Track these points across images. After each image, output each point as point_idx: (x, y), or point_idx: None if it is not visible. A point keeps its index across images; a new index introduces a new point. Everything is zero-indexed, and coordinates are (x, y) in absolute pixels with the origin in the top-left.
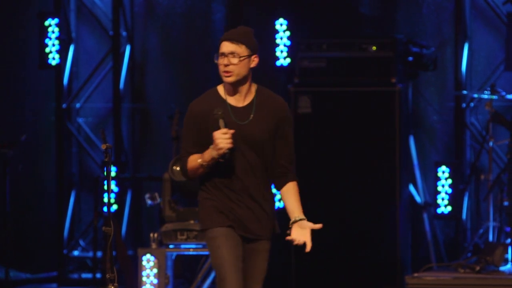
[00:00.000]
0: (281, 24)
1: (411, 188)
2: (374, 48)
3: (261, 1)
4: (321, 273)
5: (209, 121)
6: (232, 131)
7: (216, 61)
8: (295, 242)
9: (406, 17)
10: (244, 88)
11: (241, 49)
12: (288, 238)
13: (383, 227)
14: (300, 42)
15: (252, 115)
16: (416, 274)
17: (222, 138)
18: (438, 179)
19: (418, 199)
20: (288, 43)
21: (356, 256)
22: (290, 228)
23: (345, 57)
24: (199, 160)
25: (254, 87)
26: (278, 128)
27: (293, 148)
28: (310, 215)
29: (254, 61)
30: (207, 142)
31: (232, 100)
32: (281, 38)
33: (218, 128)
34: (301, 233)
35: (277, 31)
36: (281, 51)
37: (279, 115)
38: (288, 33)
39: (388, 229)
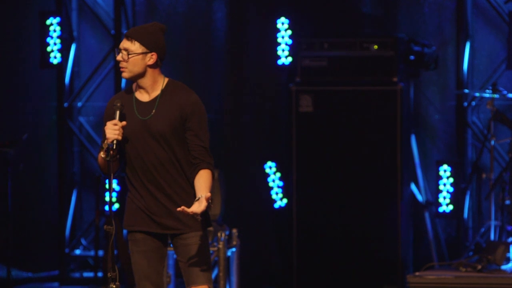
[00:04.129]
0: (282, 23)
1: (413, 187)
2: (375, 47)
3: (262, 0)
4: (322, 272)
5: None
6: (123, 123)
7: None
8: (186, 211)
9: (408, 16)
10: (146, 84)
11: (134, 46)
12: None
13: (384, 226)
14: (301, 41)
15: (154, 110)
16: (417, 273)
17: (111, 129)
18: (440, 178)
19: (419, 198)
20: (289, 42)
21: (358, 255)
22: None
23: (346, 56)
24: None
25: (164, 82)
26: (185, 121)
27: (206, 139)
28: (311, 213)
29: (152, 58)
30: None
31: (139, 95)
32: (283, 37)
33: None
34: (196, 205)
35: (278, 30)
36: (283, 50)
37: (184, 108)
38: (289, 32)
39: (390, 228)
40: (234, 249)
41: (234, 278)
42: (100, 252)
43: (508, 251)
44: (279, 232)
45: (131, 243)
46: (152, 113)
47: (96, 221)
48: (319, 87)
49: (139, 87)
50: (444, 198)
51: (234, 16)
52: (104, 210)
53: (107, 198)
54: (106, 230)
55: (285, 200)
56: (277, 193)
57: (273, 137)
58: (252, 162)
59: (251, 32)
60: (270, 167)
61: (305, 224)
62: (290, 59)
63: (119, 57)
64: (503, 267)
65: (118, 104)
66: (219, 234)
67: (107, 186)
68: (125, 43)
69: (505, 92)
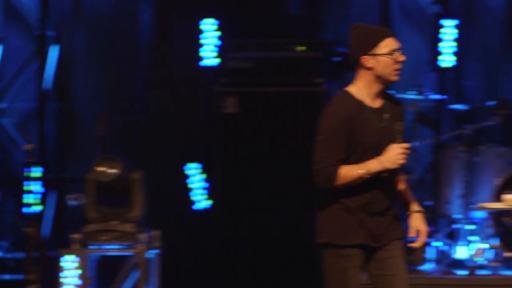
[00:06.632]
0: (208, 24)
1: None
2: (300, 48)
3: (190, 1)
4: (320, 271)
5: (356, 126)
6: (408, 145)
7: (387, 56)
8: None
9: (333, 17)
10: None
11: None
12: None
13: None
14: (227, 42)
15: (387, 115)
16: None
17: (402, 153)
18: None
19: None
20: (216, 43)
21: (275, 257)
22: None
23: (271, 58)
24: (361, 171)
25: None
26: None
27: None
28: (236, 215)
29: None
30: (349, 149)
31: (369, 102)
32: (208, 38)
33: (392, 139)
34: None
35: (203, 31)
36: (208, 51)
37: (403, 113)
38: (216, 33)
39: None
40: (156, 251)
41: (155, 281)
42: (21, 255)
43: (425, 252)
44: (203, 234)
45: (348, 258)
46: (386, 119)
47: (17, 224)
48: (244, 88)
49: (377, 92)
50: None
51: (160, 17)
52: (25, 212)
53: (28, 200)
54: (25, 232)
55: (209, 202)
56: (201, 195)
57: (198, 139)
58: (176, 164)
59: (177, 33)
60: (194, 168)
61: (229, 226)
62: (216, 60)
63: (402, 57)
64: (421, 268)
65: (400, 128)
66: (139, 236)
67: (27, 188)
68: (397, 43)
69: (428, 93)
